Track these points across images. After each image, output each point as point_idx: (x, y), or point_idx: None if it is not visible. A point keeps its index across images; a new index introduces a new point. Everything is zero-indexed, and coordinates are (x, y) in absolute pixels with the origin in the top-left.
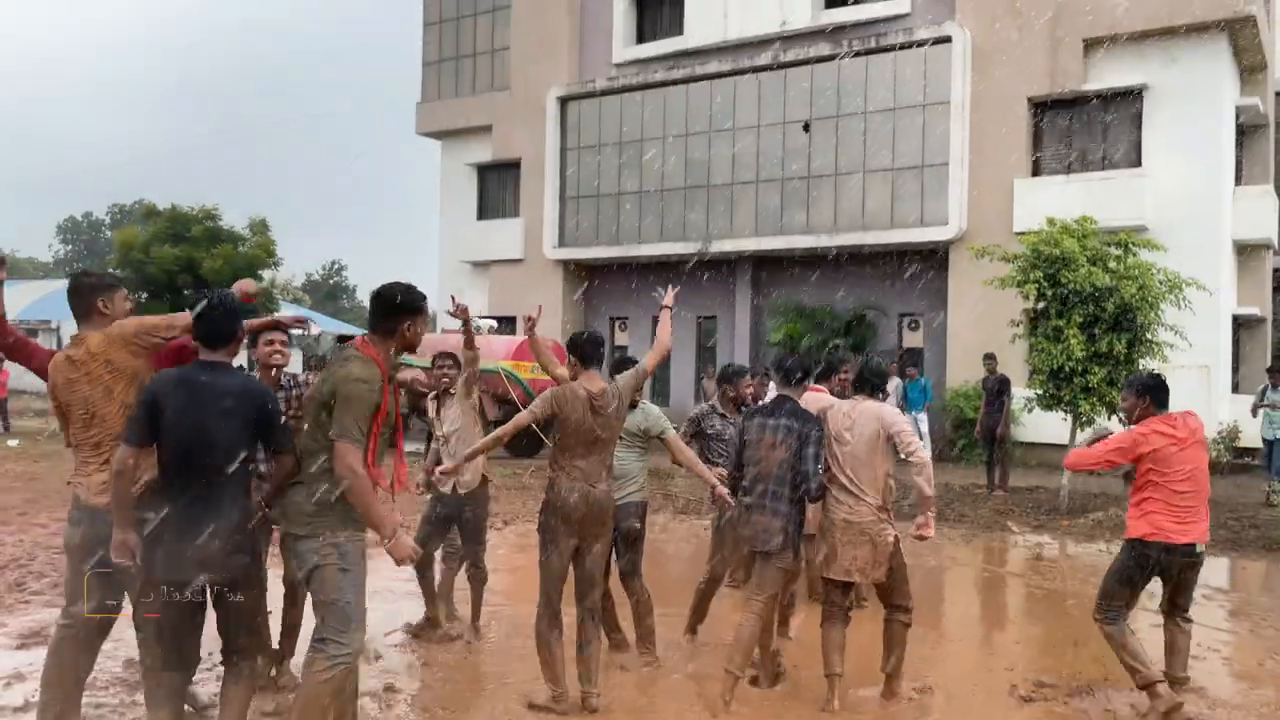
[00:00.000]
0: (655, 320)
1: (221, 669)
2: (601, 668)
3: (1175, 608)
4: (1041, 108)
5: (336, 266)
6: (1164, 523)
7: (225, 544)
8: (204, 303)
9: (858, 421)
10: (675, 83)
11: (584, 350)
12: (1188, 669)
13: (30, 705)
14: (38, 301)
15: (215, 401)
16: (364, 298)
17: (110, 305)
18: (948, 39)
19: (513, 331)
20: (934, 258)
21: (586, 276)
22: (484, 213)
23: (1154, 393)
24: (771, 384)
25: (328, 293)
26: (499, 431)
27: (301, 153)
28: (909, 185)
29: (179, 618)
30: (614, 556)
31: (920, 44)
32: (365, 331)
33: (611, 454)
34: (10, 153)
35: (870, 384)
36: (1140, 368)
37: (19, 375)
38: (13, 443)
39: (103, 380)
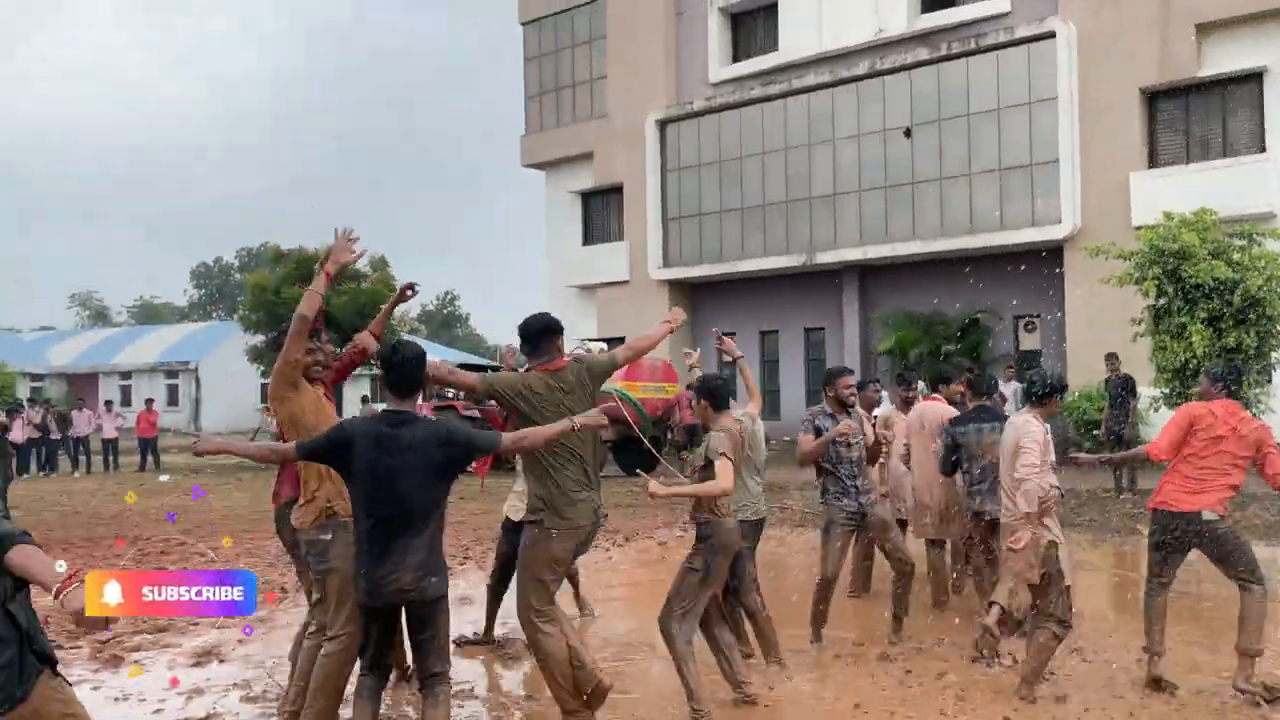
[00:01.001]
0: (763, 335)
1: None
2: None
3: (1234, 577)
4: (1154, 97)
5: (450, 296)
6: (1176, 493)
7: (419, 572)
8: (391, 352)
9: (1004, 432)
10: (772, 98)
11: (717, 396)
12: (1262, 641)
13: (212, 717)
14: (177, 344)
15: (403, 455)
16: (476, 326)
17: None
18: (1051, 34)
19: None
20: (1048, 257)
21: (691, 295)
22: (589, 238)
23: (1226, 380)
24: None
25: (442, 322)
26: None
27: (414, 190)
28: (1018, 185)
29: (379, 631)
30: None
31: (1023, 41)
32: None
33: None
34: (145, 201)
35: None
36: (1273, 361)
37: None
38: (164, 478)
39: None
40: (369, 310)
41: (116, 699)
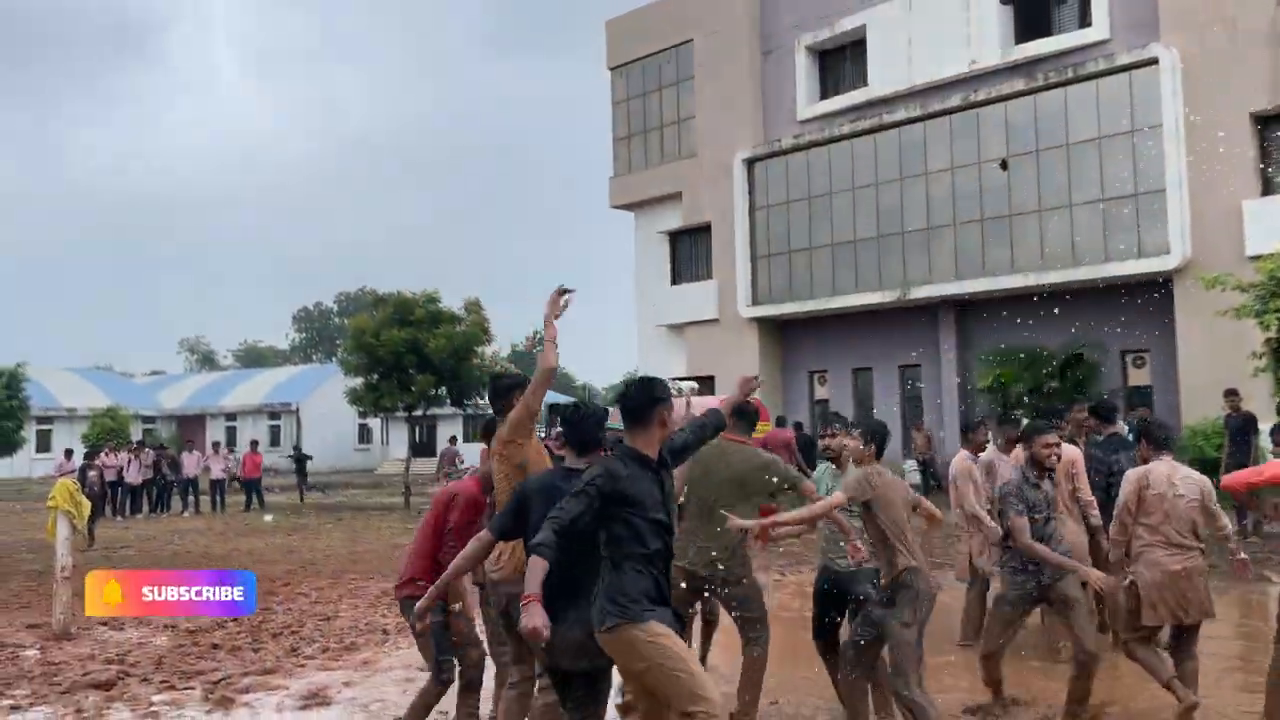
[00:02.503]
0: (855, 373)
1: None
2: None
3: None
4: (1267, 121)
5: (539, 337)
6: None
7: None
8: (574, 410)
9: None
10: (862, 134)
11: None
12: None
13: None
14: (279, 386)
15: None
16: (565, 365)
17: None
18: (1154, 60)
19: (712, 391)
20: (1156, 289)
21: (781, 332)
22: (677, 277)
23: None
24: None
25: (532, 361)
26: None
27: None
28: (1123, 215)
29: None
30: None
31: (1124, 69)
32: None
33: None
34: (249, 248)
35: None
36: None
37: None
38: (268, 518)
39: (501, 469)
40: (463, 353)
41: None
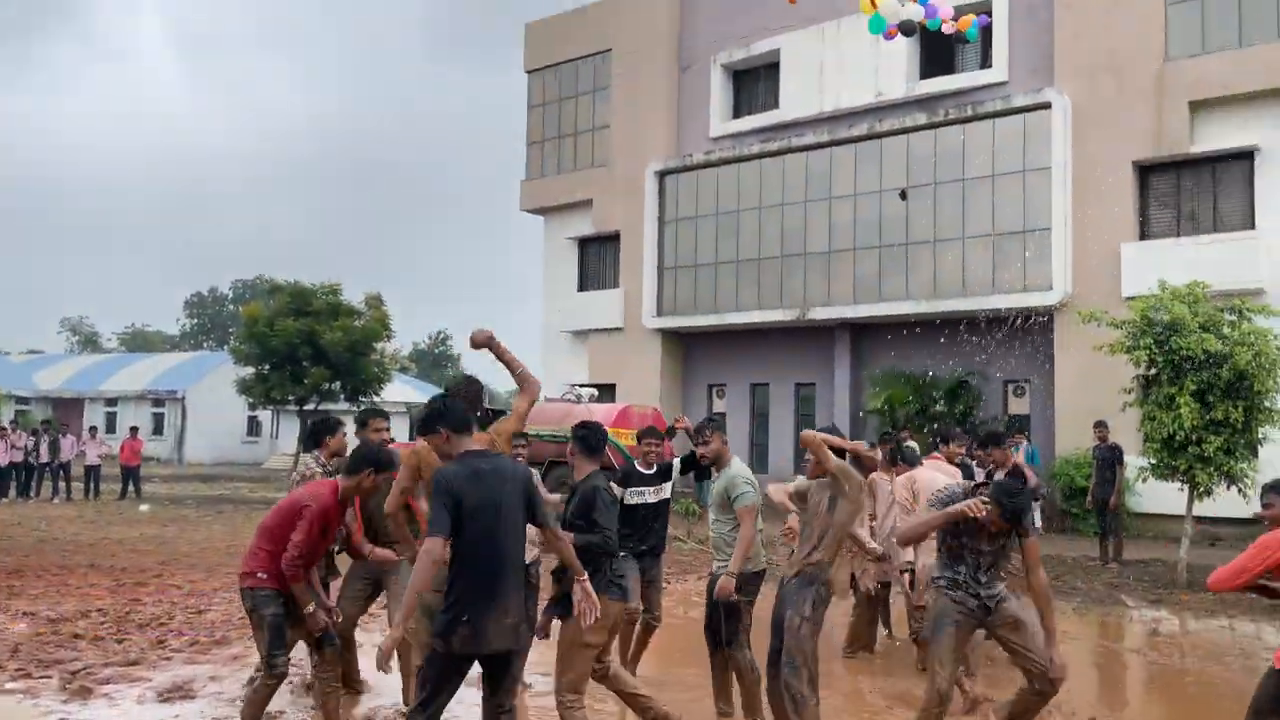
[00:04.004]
0: (753, 388)
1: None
2: None
3: None
4: (1147, 170)
5: (442, 336)
6: None
7: (519, 618)
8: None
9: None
10: (771, 154)
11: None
12: None
13: None
14: (165, 373)
15: (504, 486)
16: (466, 367)
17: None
18: (1047, 105)
19: (613, 399)
20: (1039, 323)
21: (684, 344)
22: (584, 284)
23: None
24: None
25: (433, 362)
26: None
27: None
28: (1011, 250)
29: (455, 680)
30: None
31: (1019, 110)
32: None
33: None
34: (142, 230)
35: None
36: (1259, 437)
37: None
38: (144, 508)
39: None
40: (361, 347)
41: None
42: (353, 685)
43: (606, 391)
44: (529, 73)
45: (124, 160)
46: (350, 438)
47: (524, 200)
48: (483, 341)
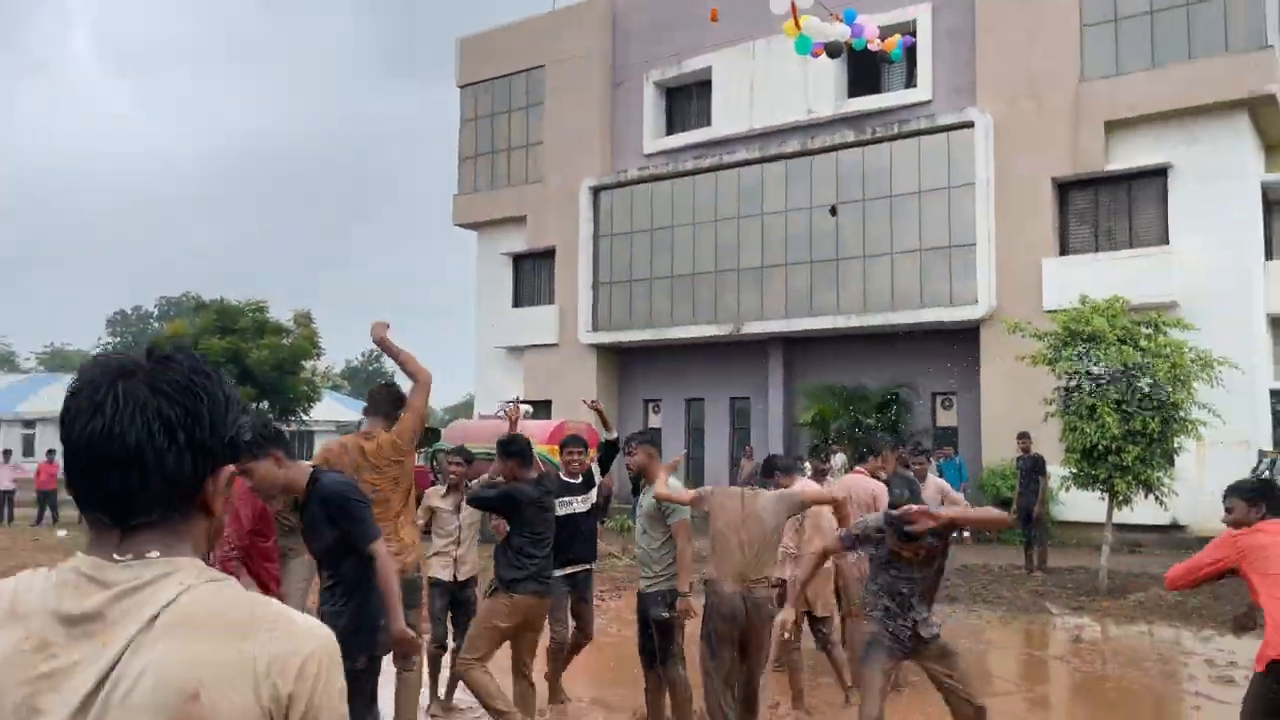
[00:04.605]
0: (688, 403)
1: None
2: None
3: None
4: (1066, 187)
5: (375, 354)
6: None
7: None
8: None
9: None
10: (704, 171)
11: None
12: None
13: None
14: None
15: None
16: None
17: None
18: (970, 124)
19: (548, 416)
20: (965, 337)
21: (619, 360)
22: (519, 300)
23: (1269, 499)
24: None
25: (366, 379)
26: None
27: (343, 245)
28: (937, 265)
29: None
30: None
31: (943, 129)
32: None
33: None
34: (61, 248)
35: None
36: (1175, 445)
37: None
38: (61, 533)
39: (388, 474)
40: (289, 365)
41: None
42: None
43: (542, 408)
44: (462, 87)
45: (55, 172)
46: None
47: (457, 215)
48: (378, 336)
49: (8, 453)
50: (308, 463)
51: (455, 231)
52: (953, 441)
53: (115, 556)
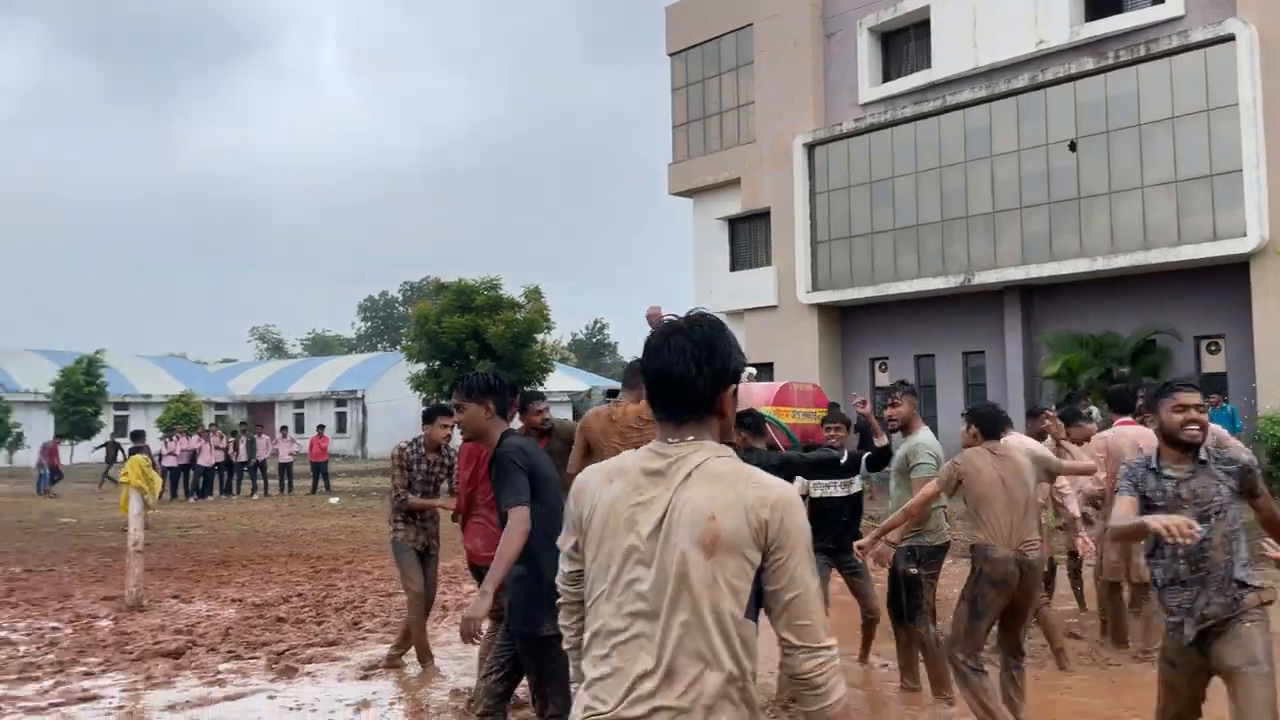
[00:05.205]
0: (918, 359)
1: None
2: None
3: None
4: None
5: (599, 325)
6: None
7: None
8: (496, 378)
9: None
10: (925, 116)
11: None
12: None
13: None
14: (345, 374)
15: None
16: (624, 354)
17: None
18: (1230, 37)
19: (770, 377)
20: (1232, 273)
21: (841, 319)
22: (736, 263)
23: None
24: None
25: (591, 350)
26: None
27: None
28: (1196, 197)
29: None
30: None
31: (1198, 46)
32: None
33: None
34: (316, 244)
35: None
36: None
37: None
38: (334, 500)
39: (633, 437)
40: (523, 339)
41: (291, 709)
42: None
43: (764, 370)
44: (671, 55)
45: (305, 177)
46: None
47: (672, 183)
48: (652, 314)
49: (284, 429)
50: (515, 425)
51: (671, 201)
52: (1222, 389)
53: (670, 440)
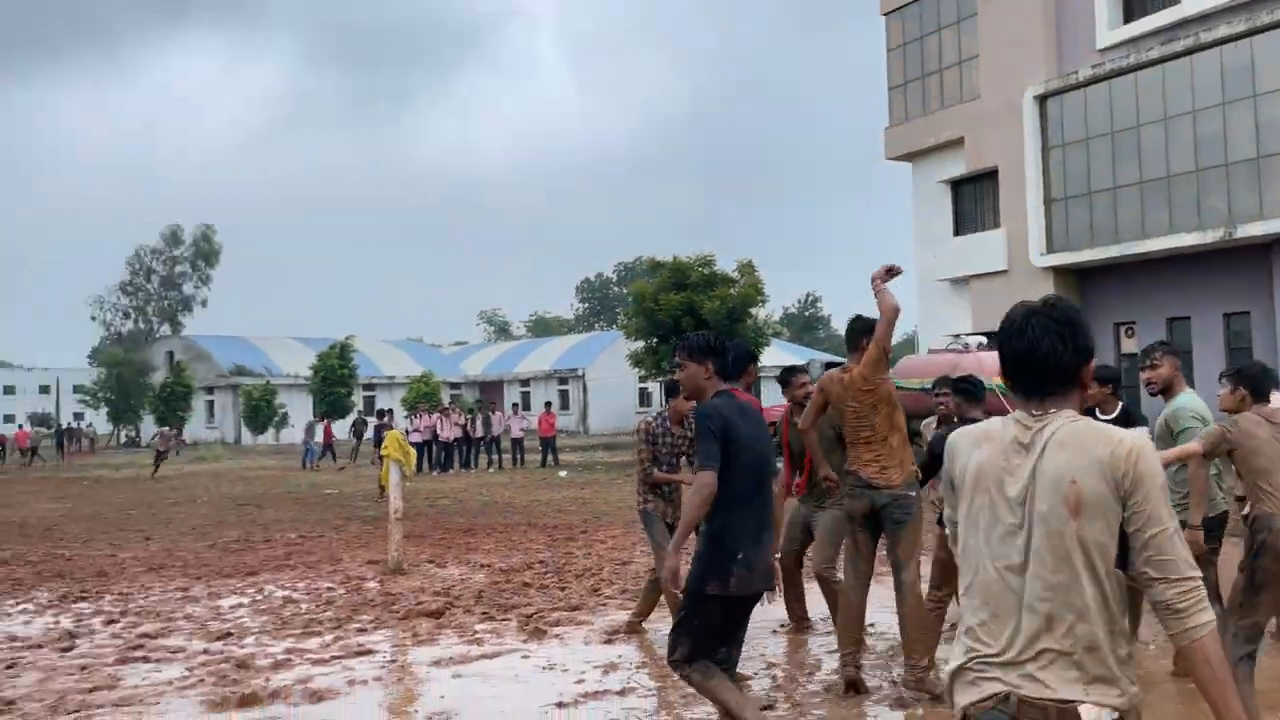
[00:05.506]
0: (1170, 323)
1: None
2: None
3: None
4: None
5: (811, 299)
6: None
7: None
8: (716, 339)
9: None
10: (1175, 57)
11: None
12: None
13: (627, 690)
14: (567, 353)
15: (762, 427)
16: (839, 327)
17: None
18: None
19: None
20: None
21: (1080, 282)
22: (960, 228)
23: None
24: None
25: (804, 324)
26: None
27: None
28: None
29: (731, 628)
30: None
31: None
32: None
33: None
34: (539, 225)
35: None
36: None
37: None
38: (563, 473)
39: (854, 405)
40: (738, 314)
41: (544, 668)
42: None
43: (994, 339)
44: (885, 15)
45: (527, 165)
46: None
47: (889, 148)
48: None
49: (515, 406)
50: (726, 388)
51: (888, 167)
52: None
53: (1034, 412)
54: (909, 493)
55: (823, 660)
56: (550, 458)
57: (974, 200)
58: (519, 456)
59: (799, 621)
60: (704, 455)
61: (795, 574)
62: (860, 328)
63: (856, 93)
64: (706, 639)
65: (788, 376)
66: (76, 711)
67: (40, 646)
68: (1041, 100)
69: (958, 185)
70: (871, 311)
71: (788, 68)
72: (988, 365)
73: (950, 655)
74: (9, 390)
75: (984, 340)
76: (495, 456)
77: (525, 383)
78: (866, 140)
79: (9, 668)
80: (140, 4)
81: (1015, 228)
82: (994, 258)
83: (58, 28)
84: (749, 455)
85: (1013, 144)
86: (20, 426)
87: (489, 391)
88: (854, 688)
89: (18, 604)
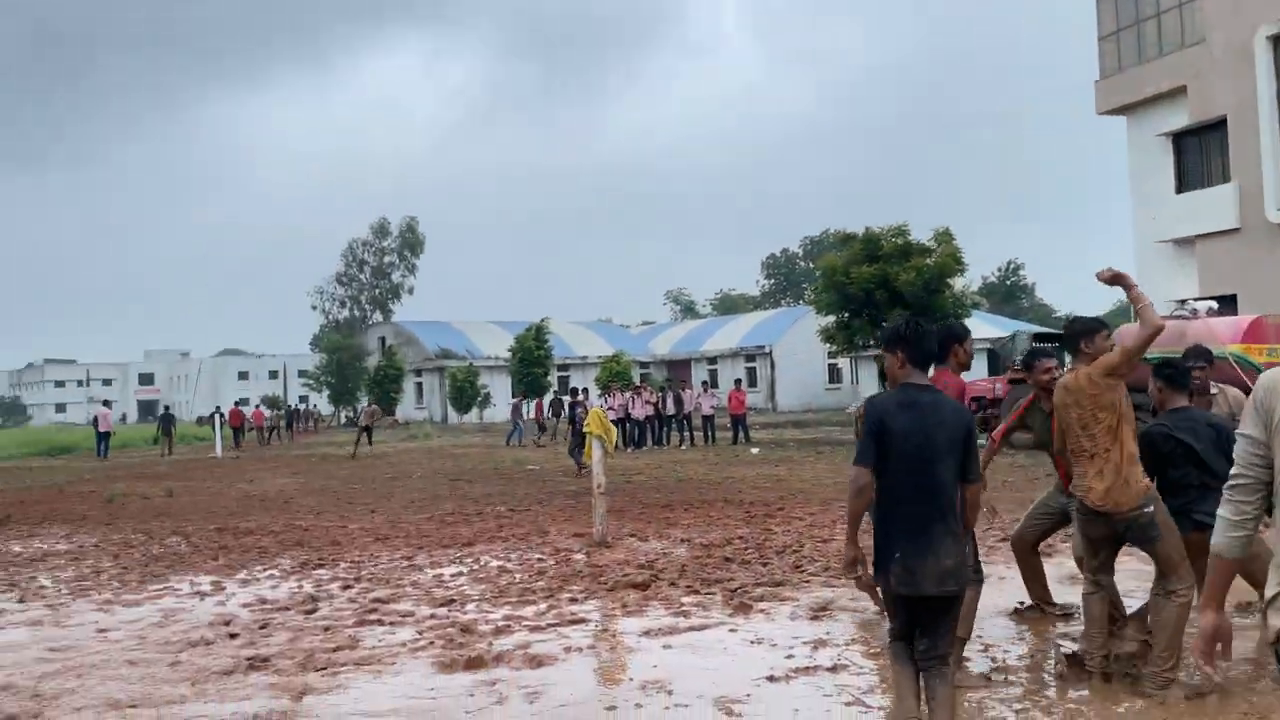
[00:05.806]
0: None
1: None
2: None
3: None
4: None
5: (1013, 266)
6: None
7: (955, 562)
8: (908, 326)
9: None
10: None
11: None
12: None
13: (838, 667)
14: (753, 330)
15: (940, 425)
16: (1043, 296)
17: (1090, 345)
18: None
19: (1233, 311)
20: None
21: None
22: (1184, 184)
23: None
24: None
25: (1005, 294)
26: None
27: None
28: None
29: (906, 616)
30: None
31: None
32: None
33: None
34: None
35: None
36: None
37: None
38: (754, 450)
39: (1086, 405)
40: (935, 285)
41: (752, 642)
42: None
43: (1225, 303)
44: None
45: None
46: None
47: (1100, 102)
48: (1109, 278)
49: (705, 384)
50: (914, 379)
51: (1100, 122)
52: None
53: None
54: (1145, 508)
55: (1047, 645)
56: (741, 435)
57: (1199, 154)
58: (710, 434)
59: (1039, 602)
60: (857, 451)
61: (1028, 557)
62: (1080, 329)
63: (1061, 45)
64: (897, 625)
65: (1031, 360)
66: (324, 669)
67: (288, 609)
68: (1276, 40)
69: (1180, 138)
70: (1076, 278)
71: (982, 22)
72: (1221, 333)
73: (1267, 587)
74: (243, 375)
75: (1214, 305)
76: (687, 434)
77: (712, 360)
78: (1073, 95)
79: (262, 628)
80: (347, 13)
81: (1249, 181)
82: (1224, 215)
83: (282, 41)
84: (906, 447)
85: (1244, 90)
86: (257, 408)
87: (677, 370)
88: (1078, 666)
89: (265, 570)
